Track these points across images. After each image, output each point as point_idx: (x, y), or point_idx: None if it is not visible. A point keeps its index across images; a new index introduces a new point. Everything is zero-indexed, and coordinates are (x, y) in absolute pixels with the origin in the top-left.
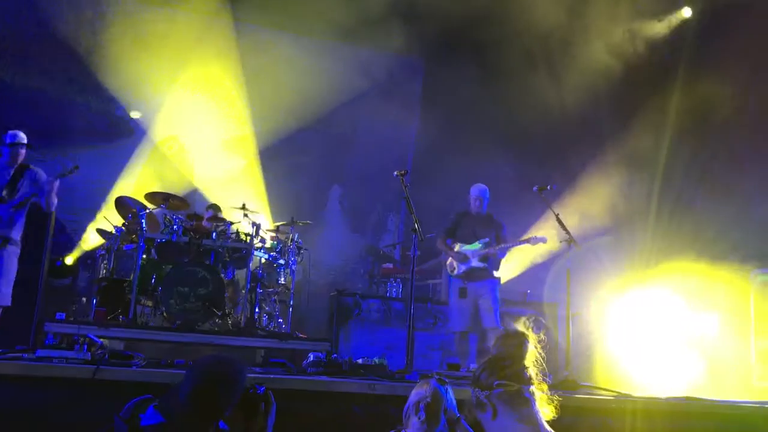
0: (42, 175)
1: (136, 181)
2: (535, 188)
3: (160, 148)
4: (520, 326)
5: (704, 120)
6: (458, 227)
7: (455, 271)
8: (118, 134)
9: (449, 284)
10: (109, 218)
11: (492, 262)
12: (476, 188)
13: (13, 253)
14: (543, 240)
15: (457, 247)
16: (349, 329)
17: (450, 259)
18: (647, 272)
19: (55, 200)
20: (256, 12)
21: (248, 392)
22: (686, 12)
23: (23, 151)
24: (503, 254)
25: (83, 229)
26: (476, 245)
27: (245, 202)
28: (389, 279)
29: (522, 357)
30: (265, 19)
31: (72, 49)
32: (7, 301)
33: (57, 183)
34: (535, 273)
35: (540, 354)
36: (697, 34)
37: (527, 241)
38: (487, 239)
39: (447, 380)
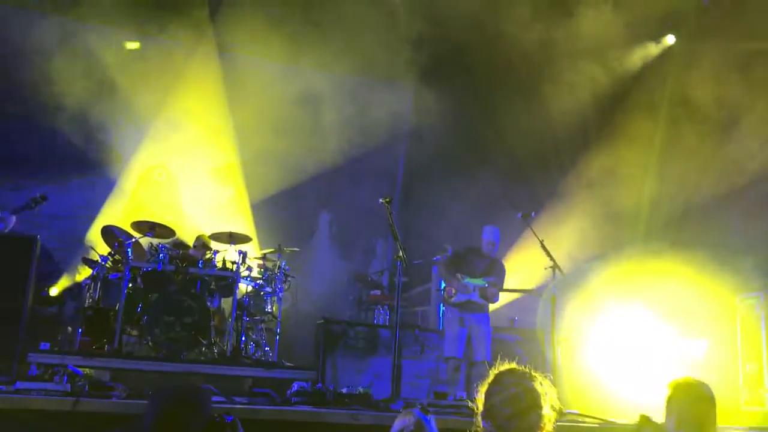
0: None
1: (123, 209)
2: (519, 215)
3: (147, 176)
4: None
5: (689, 147)
6: (464, 260)
7: (452, 299)
8: (106, 162)
9: (444, 311)
10: (95, 247)
11: (488, 301)
12: (491, 231)
13: None
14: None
15: (460, 277)
16: (336, 357)
17: (448, 286)
18: (634, 296)
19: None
20: (241, 41)
21: (215, 421)
22: (670, 39)
23: None
24: (497, 298)
25: (70, 257)
26: (480, 281)
27: (232, 230)
28: (377, 306)
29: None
30: (250, 48)
31: (58, 77)
32: None
33: (13, 219)
34: (522, 299)
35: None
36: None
37: (530, 291)
38: (493, 278)
39: (431, 410)
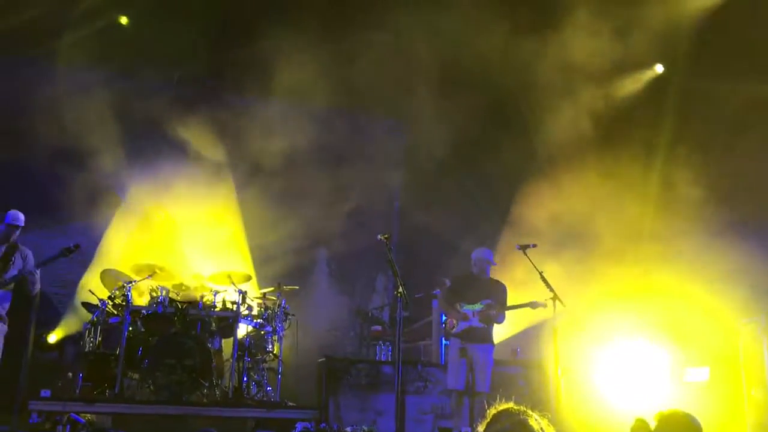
0: (31, 258)
1: (122, 252)
2: (518, 246)
3: (145, 218)
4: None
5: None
6: (462, 289)
7: (454, 329)
8: (105, 205)
9: (447, 344)
10: (94, 291)
11: (491, 324)
12: (478, 252)
13: (2, 331)
14: (543, 305)
15: (458, 306)
16: (339, 395)
17: (449, 317)
18: (636, 323)
19: (38, 286)
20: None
21: None
22: (658, 68)
23: (17, 233)
24: (503, 318)
25: (70, 302)
26: (478, 305)
27: (231, 270)
28: (378, 342)
29: None
30: (244, 86)
31: (56, 121)
32: None
33: (38, 273)
34: (524, 330)
35: None
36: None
37: (529, 304)
38: (489, 300)
39: None
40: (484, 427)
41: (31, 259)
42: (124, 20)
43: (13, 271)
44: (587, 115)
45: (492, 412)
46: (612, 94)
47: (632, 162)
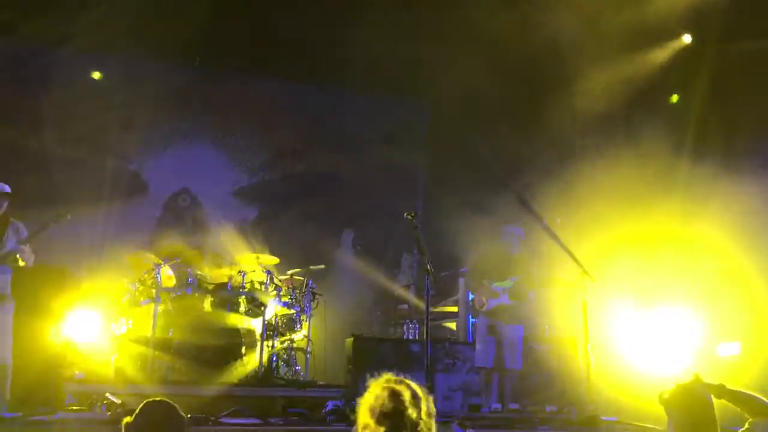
0: (23, 230)
1: (151, 237)
2: (544, 222)
3: (172, 202)
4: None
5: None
6: (489, 264)
7: (484, 307)
8: (131, 191)
9: (474, 322)
10: (125, 275)
11: (522, 301)
12: (507, 227)
13: (9, 309)
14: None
15: (487, 284)
16: (367, 374)
17: (478, 295)
18: (669, 298)
19: (32, 257)
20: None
21: None
22: (686, 38)
23: (5, 204)
24: (533, 294)
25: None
26: (507, 282)
27: (259, 251)
28: (405, 320)
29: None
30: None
31: (81, 108)
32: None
33: (27, 247)
34: (553, 307)
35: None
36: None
37: (564, 282)
38: (517, 277)
39: (468, 423)
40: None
41: (24, 231)
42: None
43: (10, 247)
44: (618, 84)
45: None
46: (642, 62)
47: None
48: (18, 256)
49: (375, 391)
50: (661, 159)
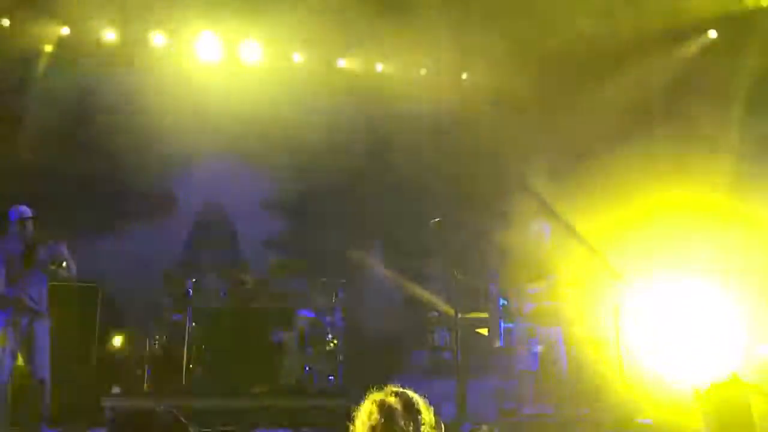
0: (61, 246)
1: (183, 253)
2: (566, 225)
3: (201, 217)
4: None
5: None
6: (523, 265)
7: (522, 310)
8: (164, 210)
9: (510, 326)
10: (158, 291)
11: (558, 301)
12: (535, 225)
13: (46, 326)
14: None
15: (522, 286)
16: (400, 381)
17: (515, 298)
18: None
19: (73, 265)
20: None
21: None
22: (712, 34)
23: (30, 227)
24: (569, 295)
25: (132, 302)
26: (542, 282)
27: (288, 262)
28: (436, 327)
29: None
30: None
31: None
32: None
33: (65, 249)
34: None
35: None
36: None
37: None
38: (552, 276)
39: (497, 430)
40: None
41: (55, 246)
42: None
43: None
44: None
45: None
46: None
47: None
48: (59, 261)
49: (367, 406)
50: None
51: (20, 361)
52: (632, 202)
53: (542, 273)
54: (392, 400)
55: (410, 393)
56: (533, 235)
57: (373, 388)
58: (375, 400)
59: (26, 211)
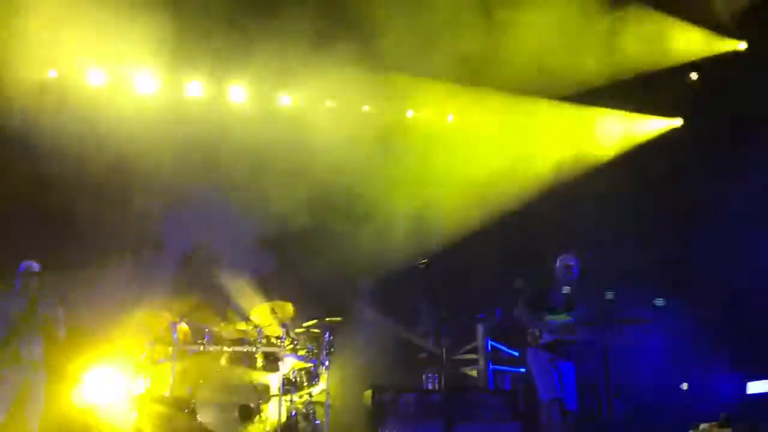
0: (55, 305)
1: (166, 293)
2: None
3: (187, 258)
4: None
5: None
6: (544, 295)
7: (539, 341)
8: (148, 246)
9: (530, 355)
10: (142, 333)
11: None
12: (565, 257)
13: (41, 380)
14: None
15: (542, 316)
16: (388, 425)
17: (532, 328)
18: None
19: (63, 330)
20: None
21: None
22: (741, 45)
23: (35, 281)
24: (591, 336)
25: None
26: (564, 316)
27: (274, 305)
28: (425, 370)
29: None
30: None
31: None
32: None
33: (60, 311)
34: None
35: None
36: None
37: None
38: (576, 311)
39: None
40: None
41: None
42: None
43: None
44: None
45: None
46: None
47: None
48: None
49: None
50: None
51: None
52: None
53: (566, 307)
54: None
55: None
56: (562, 267)
57: None
58: None
59: (34, 266)
